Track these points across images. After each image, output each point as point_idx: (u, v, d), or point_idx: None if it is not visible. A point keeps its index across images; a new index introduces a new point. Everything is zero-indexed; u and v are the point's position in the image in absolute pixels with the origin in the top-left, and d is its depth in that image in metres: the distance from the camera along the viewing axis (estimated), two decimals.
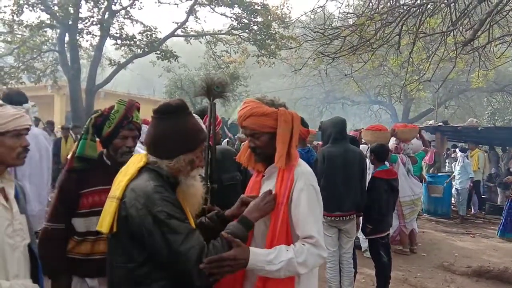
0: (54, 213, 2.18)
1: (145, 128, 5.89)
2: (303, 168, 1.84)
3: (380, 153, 4.71)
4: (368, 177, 4.64)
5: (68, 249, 2.20)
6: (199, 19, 14.95)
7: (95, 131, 2.24)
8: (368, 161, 5.19)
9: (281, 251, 1.64)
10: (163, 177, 1.62)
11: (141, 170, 1.64)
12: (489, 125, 13.68)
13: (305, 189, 1.75)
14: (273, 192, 1.79)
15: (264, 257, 1.61)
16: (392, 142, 6.52)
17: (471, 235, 7.98)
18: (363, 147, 6.23)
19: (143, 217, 1.49)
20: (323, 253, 1.72)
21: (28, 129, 1.75)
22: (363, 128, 7.03)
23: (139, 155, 1.76)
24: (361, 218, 4.35)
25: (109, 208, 1.60)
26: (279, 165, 1.77)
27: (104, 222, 1.61)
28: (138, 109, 2.33)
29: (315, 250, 1.68)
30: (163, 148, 1.64)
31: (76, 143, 2.28)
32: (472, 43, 5.22)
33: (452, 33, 5.77)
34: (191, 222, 1.66)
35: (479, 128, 10.89)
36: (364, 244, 5.78)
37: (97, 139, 2.27)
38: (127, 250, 1.56)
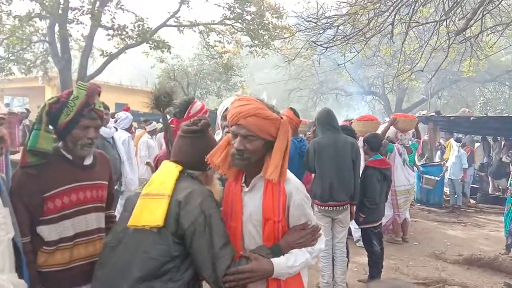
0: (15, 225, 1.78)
1: (123, 115, 5.88)
2: (293, 182, 1.78)
3: (374, 143, 4.72)
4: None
5: (40, 264, 1.91)
6: (192, 8, 14.76)
7: (49, 120, 1.92)
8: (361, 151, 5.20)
9: (298, 254, 1.70)
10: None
11: (182, 174, 1.78)
12: (482, 115, 13.72)
13: (303, 203, 1.76)
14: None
15: (285, 264, 1.67)
16: (392, 131, 6.54)
17: (462, 224, 8.07)
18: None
19: (197, 215, 1.62)
20: (323, 245, 1.84)
21: (3, 118, 1.67)
22: (353, 119, 7.04)
23: (170, 163, 1.84)
24: (354, 207, 4.36)
25: (156, 204, 1.66)
26: (273, 177, 1.66)
27: (155, 215, 1.63)
28: (99, 94, 2.06)
29: (318, 245, 1.81)
30: (204, 162, 1.80)
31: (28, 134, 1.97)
32: (464, 32, 5.22)
33: (444, 22, 5.75)
34: None
35: (471, 118, 10.95)
36: (356, 234, 5.82)
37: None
38: (166, 244, 1.63)
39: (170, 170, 1.78)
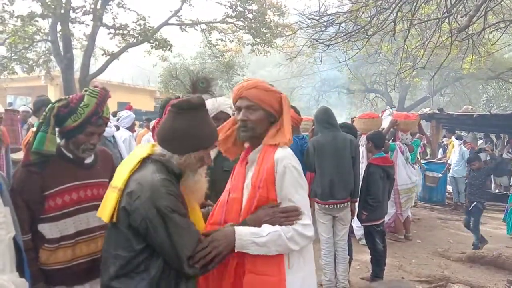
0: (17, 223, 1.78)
1: (125, 113, 5.93)
2: (283, 151, 1.76)
3: (378, 140, 4.70)
4: (362, 166, 4.64)
5: (42, 262, 1.93)
6: (193, 7, 14.76)
7: (56, 121, 1.93)
8: (362, 149, 5.18)
9: (266, 226, 1.63)
10: (168, 169, 1.62)
11: (144, 161, 1.63)
12: (485, 113, 13.66)
13: (287, 171, 1.70)
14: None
15: (248, 230, 1.61)
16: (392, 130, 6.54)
17: None
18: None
19: (147, 209, 1.50)
20: (308, 232, 1.69)
21: (1, 117, 1.69)
22: (355, 117, 7.04)
23: (145, 145, 1.73)
24: (356, 204, 4.34)
25: (110, 198, 1.60)
26: (284, 140, 1.76)
27: (105, 211, 1.59)
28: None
29: (300, 229, 1.67)
30: (178, 143, 1.62)
31: (33, 133, 1.95)
32: (467, 30, 5.19)
33: (447, 19, 5.73)
34: (196, 211, 1.74)
35: (474, 116, 10.90)
36: (359, 232, 5.81)
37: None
38: (126, 240, 1.56)
39: (132, 159, 1.66)
